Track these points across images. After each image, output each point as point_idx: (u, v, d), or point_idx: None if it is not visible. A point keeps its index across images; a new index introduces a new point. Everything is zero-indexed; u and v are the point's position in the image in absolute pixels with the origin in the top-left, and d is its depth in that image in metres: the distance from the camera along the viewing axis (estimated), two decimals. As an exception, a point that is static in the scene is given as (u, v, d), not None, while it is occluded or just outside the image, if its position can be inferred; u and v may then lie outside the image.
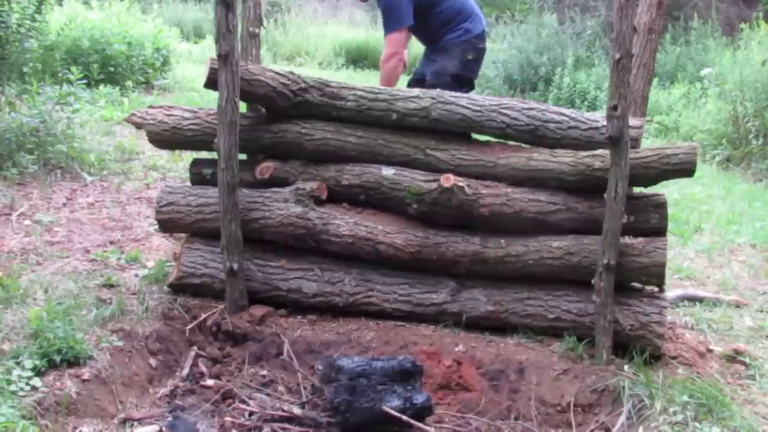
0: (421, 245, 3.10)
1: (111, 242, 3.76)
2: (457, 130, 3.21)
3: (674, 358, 2.96)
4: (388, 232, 3.12)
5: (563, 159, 3.07)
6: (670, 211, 3.14)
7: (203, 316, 3.07)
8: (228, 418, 2.47)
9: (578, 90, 9.64)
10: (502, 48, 11.38)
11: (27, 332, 2.64)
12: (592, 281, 2.92)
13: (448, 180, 2.98)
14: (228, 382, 2.76)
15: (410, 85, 4.44)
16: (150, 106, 3.38)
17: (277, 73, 3.15)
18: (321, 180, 3.20)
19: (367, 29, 14.88)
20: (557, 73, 9.91)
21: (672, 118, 8.36)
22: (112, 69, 7.65)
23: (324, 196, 3.19)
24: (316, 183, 3.17)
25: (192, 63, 10.62)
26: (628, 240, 3.03)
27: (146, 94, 7.93)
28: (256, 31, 3.26)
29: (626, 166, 2.78)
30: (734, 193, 5.99)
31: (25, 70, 5.33)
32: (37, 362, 2.46)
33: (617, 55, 2.70)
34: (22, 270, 3.24)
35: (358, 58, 13.65)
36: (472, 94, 3.67)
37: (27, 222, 3.92)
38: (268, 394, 2.67)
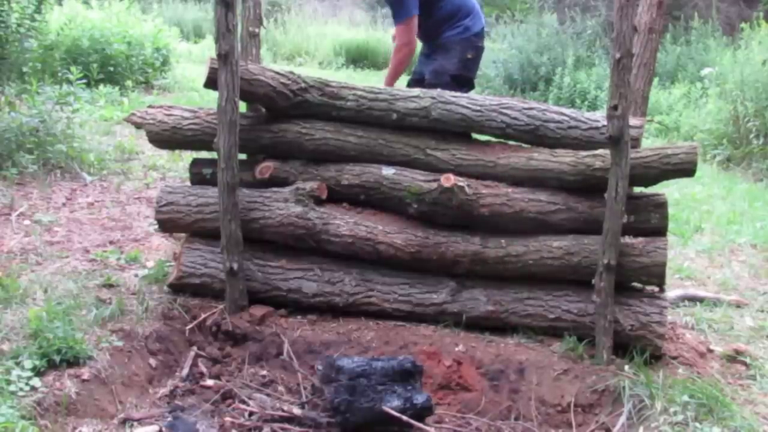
0: (421, 245, 3.10)
1: (111, 242, 3.76)
2: (458, 130, 3.21)
3: (675, 358, 2.96)
4: (388, 232, 3.12)
5: (563, 159, 3.07)
6: (670, 210, 3.14)
7: (203, 316, 3.07)
8: (228, 418, 2.47)
9: (578, 90, 9.64)
10: (503, 48, 11.38)
11: (27, 332, 2.64)
12: (593, 281, 2.92)
13: (449, 180, 2.98)
14: (228, 382, 2.75)
15: (410, 85, 4.42)
16: (150, 106, 3.38)
17: (277, 73, 3.15)
18: (321, 180, 3.20)
19: (367, 29, 14.89)
20: (557, 73, 9.91)
21: (672, 117, 8.36)
22: (111, 69, 7.65)
23: (324, 196, 3.18)
24: (316, 183, 3.17)
25: (192, 63, 10.62)
26: (628, 240, 3.03)
27: (146, 93, 7.93)
28: (256, 30, 3.25)
29: (626, 166, 2.78)
30: (735, 192, 5.99)
31: (24, 69, 5.33)
32: (37, 362, 2.46)
33: (618, 55, 2.70)
34: (21, 270, 3.24)
35: (358, 57, 13.65)
36: (472, 94, 3.66)
37: (27, 222, 3.92)
38: (268, 394, 2.66)
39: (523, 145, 3.23)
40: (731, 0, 11.81)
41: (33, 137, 4.86)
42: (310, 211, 3.12)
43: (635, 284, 3.09)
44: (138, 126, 3.32)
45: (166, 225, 3.33)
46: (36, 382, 2.39)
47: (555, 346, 3.00)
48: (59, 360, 2.51)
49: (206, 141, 3.19)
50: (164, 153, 5.27)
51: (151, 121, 3.27)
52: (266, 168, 3.23)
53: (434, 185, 3.02)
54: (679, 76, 9.66)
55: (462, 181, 3.00)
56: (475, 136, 3.32)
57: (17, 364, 2.44)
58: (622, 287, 2.99)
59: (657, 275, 2.98)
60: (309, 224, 3.12)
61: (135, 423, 2.44)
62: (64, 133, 5.07)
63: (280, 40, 13.95)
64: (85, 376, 2.51)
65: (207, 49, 11.82)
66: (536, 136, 3.14)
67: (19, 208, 4.07)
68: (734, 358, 3.04)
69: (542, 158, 3.10)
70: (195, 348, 2.95)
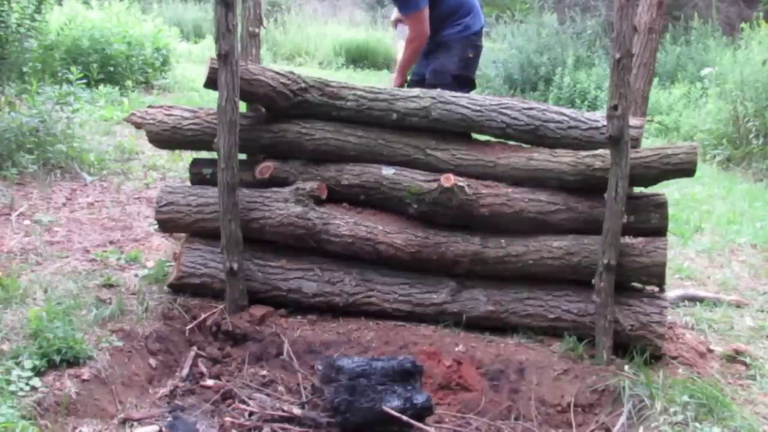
0: (421, 245, 3.10)
1: (111, 242, 3.76)
2: (457, 130, 3.21)
3: (675, 358, 2.96)
4: (388, 232, 3.12)
5: (563, 159, 3.07)
6: (670, 210, 3.14)
7: (203, 316, 3.07)
8: (228, 418, 2.47)
9: (578, 90, 9.64)
10: (503, 48, 11.38)
11: (27, 332, 2.64)
12: (593, 281, 2.92)
13: (448, 180, 2.98)
14: (228, 382, 2.75)
15: (410, 86, 4.42)
16: (150, 106, 3.38)
17: (277, 73, 3.15)
18: (321, 180, 3.20)
19: (367, 29, 14.88)
20: (557, 73, 9.91)
21: (672, 117, 8.36)
22: (111, 69, 7.65)
23: (324, 196, 3.18)
24: (316, 183, 3.17)
25: (192, 63, 10.62)
26: (628, 240, 3.03)
27: (146, 93, 7.93)
28: (256, 30, 3.25)
29: (626, 166, 2.78)
30: (735, 192, 5.99)
31: (24, 69, 5.33)
32: (37, 362, 2.46)
33: (617, 55, 2.70)
34: (21, 270, 3.24)
35: (358, 57, 13.65)
36: (472, 94, 3.66)
37: (27, 222, 3.92)
38: (268, 394, 2.66)
39: (523, 145, 3.23)
40: (731, 0, 11.81)
41: (33, 137, 4.86)
42: (310, 211, 3.12)
43: (635, 284, 3.09)
44: (138, 126, 3.32)
45: (166, 225, 3.33)
46: (36, 382, 2.39)
47: (555, 346, 3.00)
48: (59, 360, 2.51)
49: (206, 141, 3.20)
50: (164, 153, 5.27)
51: (151, 121, 3.27)
52: (266, 168, 3.23)
53: (434, 185, 3.02)
54: (679, 76, 9.66)
55: (462, 181, 3.00)
56: (475, 136, 3.32)
57: (17, 364, 2.44)
58: (622, 287, 2.99)
59: (657, 275, 2.98)
60: (309, 224, 3.12)
61: (135, 423, 2.44)
62: (64, 133, 5.07)
63: (280, 40, 13.95)
64: (85, 376, 2.51)
65: (207, 49, 11.82)
66: (536, 136, 3.15)
67: (19, 208, 4.07)
68: (734, 358, 3.04)
69: (542, 158, 3.10)
70: (195, 348, 2.95)
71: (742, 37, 8.23)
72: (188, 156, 4.71)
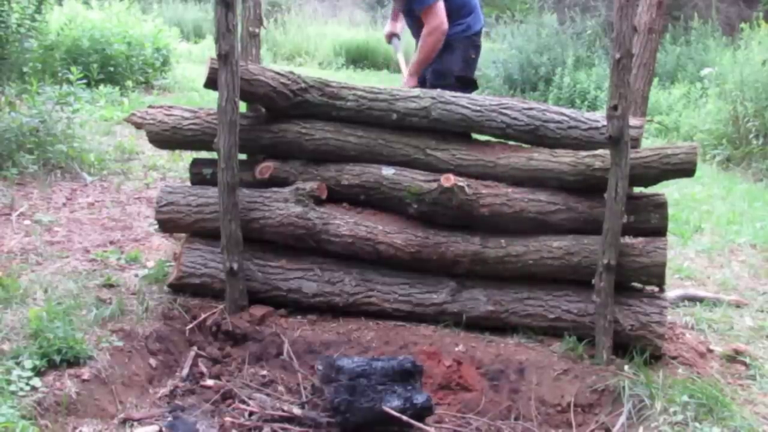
0: (421, 245, 3.10)
1: (111, 242, 3.76)
2: (458, 130, 3.21)
3: (674, 358, 2.96)
4: (388, 232, 3.12)
5: (563, 159, 3.07)
6: (670, 211, 3.14)
7: (203, 316, 3.07)
8: (228, 418, 2.47)
9: (578, 90, 9.64)
10: (502, 48, 11.38)
11: (27, 332, 2.64)
12: (592, 281, 2.92)
13: (448, 180, 2.98)
14: (228, 382, 2.75)
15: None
16: (150, 106, 3.38)
17: (277, 73, 3.15)
18: (321, 180, 3.20)
19: (367, 29, 14.88)
20: (557, 73, 9.91)
21: (672, 118, 8.36)
22: (111, 69, 7.65)
23: (324, 196, 3.18)
24: (316, 183, 3.17)
25: (192, 63, 10.62)
26: (628, 240, 3.03)
27: (146, 94, 7.93)
28: (256, 31, 3.25)
29: (626, 166, 2.78)
30: (734, 193, 5.99)
31: (25, 70, 5.33)
32: (37, 362, 2.46)
33: (617, 55, 2.70)
34: (22, 270, 3.24)
35: (358, 58, 13.65)
36: (473, 94, 3.66)
37: (27, 222, 3.92)
38: (268, 394, 2.66)
39: (523, 145, 3.23)
40: (731, 0, 11.81)
41: (33, 137, 4.86)
42: (310, 211, 3.12)
43: (635, 284, 3.09)
44: (138, 126, 3.32)
45: (166, 225, 3.33)
46: (36, 382, 2.39)
47: (555, 346, 3.00)
48: (59, 360, 2.51)
49: (206, 141, 3.20)
50: (164, 153, 5.27)
51: (151, 121, 3.27)
52: (266, 168, 3.24)
53: (434, 185, 3.02)
54: (678, 76, 9.66)
55: (462, 181, 3.00)
56: (475, 136, 3.32)
57: (17, 364, 2.44)
58: (622, 287, 2.99)
59: (657, 275, 2.98)
60: (309, 224, 3.12)
61: (135, 423, 2.44)
62: (64, 133, 5.08)
63: (280, 40, 13.95)
64: (86, 376, 2.51)
65: (207, 49, 11.82)
66: (536, 136, 3.15)
67: (19, 208, 4.07)
68: (734, 358, 3.04)
69: (542, 158, 3.10)
70: (195, 348, 2.95)
71: (742, 37, 8.22)
72: (188, 156, 4.71)
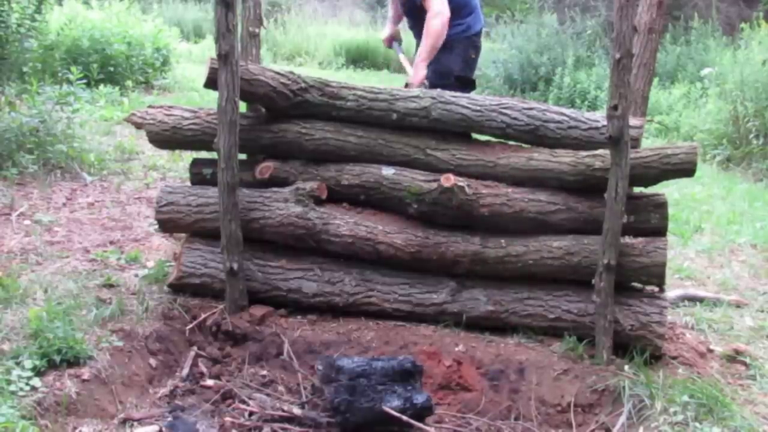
0: (421, 245, 3.10)
1: (111, 242, 3.76)
2: (458, 130, 3.21)
3: (674, 358, 2.96)
4: (388, 232, 3.12)
5: (563, 159, 3.07)
6: (670, 211, 3.14)
7: (203, 316, 3.07)
8: (228, 418, 2.47)
9: (578, 90, 9.65)
10: (502, 48, 11.38)
11: (27, 332, 2.64)
12: (593, 281, 2.92)
13: (448, 180, 2.98)
14: (228, 382, 2.75)
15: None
16: (150, 106, 3.38)
17: (277, 73, 3.15)
18: (321, 180, 3.20)
19: (367, 29, 14.88)
20: (557, 73, 9.91)
21: (672, 118, 8.36)
22: (111, 69, 7.65)
23: (324, 196, 3.18)
24: (316, 183, 3.17)
25: (192, 63, 10.62)
26: (628, 240, 3.03)
27: (146, 94, 7.93)
28: (256, 30, 3.25)
29: (626, 166, 2.78)
30: (734, 193, 5.99)
31: (25, 70, 5.33)
32: (37, 362, 2.46)
33: (617, 55, 2.70)
34: (22, 270, 3.24)
35: (358, 58, 13.66)
36: (473, 94, 3.65)
37: (27, 222, 3.92)
38: (268, 394, 2.66)
39: (523, 145, 3.23)
40: (731, 0, 11.81)
41: (33, 137, 4.86)
42: (310, 211, 3.12)
43: (635, 284, 3.09)
44: (138, 126, 3.32)
45: (166, 225, 3.33)
46: (36, 382, 2.39)
47: (555, 346, 3.00)
48: (59, 360, 2.51)
49: (206, 141, 3.20)
50: (164, 153, 5.27)
51: (151, 121, 3.27)
52: (266, 168, 3.24)
53: (434, 185, 3.02)
54: (678, 76, 9.66)
55: (462, 181, 3.00)
56: (475, 136, 3.32)
57: (17, 364, 2.44)
58: (622, 287, 2.99)
59: (657, 275, 2.98)
60: (309, 224, 3.12)
61: (135, 423, 2.44)
62: (64, 133, 5.08)
63: (280, 40, 13.95)
64: (86, 376, 2.51)
65: (207, 49, 11.82)
66: (536, 136, 3.15)
67: (19, 208, 4.07)
68: (734, 358, 3.04)
69: (542, 158, 3.10)
70: (195, 348, 2.95)
71: (742, 37, 8.23)
72: (188, 156, 4.71)
